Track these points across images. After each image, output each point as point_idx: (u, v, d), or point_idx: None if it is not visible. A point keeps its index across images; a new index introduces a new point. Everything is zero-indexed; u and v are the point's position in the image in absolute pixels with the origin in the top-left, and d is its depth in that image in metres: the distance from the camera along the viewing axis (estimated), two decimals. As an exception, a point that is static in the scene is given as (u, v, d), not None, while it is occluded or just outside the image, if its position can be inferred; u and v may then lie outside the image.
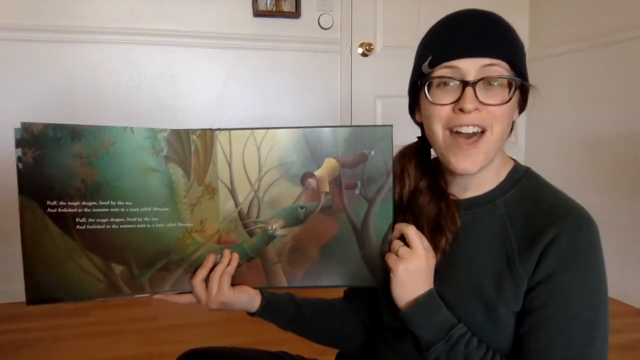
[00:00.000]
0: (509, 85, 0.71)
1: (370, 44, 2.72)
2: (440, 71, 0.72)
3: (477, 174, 0.75)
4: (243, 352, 0.93)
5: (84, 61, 2.42)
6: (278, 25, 2.61)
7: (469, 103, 0.69)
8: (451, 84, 0.71)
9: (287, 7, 2.59)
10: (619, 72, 2.37)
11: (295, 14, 2.60)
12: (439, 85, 0.73)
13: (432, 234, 0.76)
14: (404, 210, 0.80)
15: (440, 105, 0.72)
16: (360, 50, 2.73)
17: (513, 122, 0.78)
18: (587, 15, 2.54)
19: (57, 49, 2.38)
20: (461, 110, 0.70)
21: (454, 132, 0.72)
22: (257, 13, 2.56)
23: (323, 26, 2.67)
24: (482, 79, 0.69)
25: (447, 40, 0.73)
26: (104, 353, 1.85)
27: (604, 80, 2.46)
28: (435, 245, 0.75)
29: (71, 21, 2.38)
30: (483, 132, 0.71)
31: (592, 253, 0.68)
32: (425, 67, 0.74)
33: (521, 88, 0.75)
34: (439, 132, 0.73)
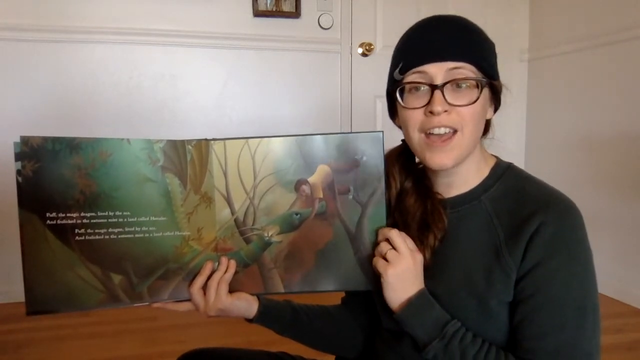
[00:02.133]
0: (477, 86, 0.74)
1: (370, 44, 2.72)
2: (410, 77, 0.75)
3: (457, 171, 0.78)
4: (243, 353, 0.94)
5: (84, 61, 2.42)
6: (278, 25, 2.61)
7: (437, 105, 0.72)
8: (421, 88, 0.74)
9: (287, 7, 2.59)
10: (619, 72, 2.37)
11: (295, 14, 2.60)
12: (410, 90, 0.76)
13: (420, 232, 0.78)
14: (392, 213, 0.82)
15: (413, 110, 0.75)
16: (360, 50, 2.73)
17: (489, 121, 0.81)
18: (587, 15, 2.54)
19: (57, 49, 2.38)
20: (431, 112, 0.72)
21: (427, 134, 0.74)
22: (257, 13, 2.56)
23: (323, 26, 2.67)
24: (449, 81, 0.72)
25: (414, 46, 0.76)
26: (104, 353, 1.86)
27: (604, 80, 2.45)
28: (424, 244, 0.77)
29: (71, 21, 2.38)
30: (455, 132, 0.74)
31: (578, 239, 0.70)
32: (396, 74, 0.77)
33: (492, 88, 0.77)
34: (414, 135, 0.76)
